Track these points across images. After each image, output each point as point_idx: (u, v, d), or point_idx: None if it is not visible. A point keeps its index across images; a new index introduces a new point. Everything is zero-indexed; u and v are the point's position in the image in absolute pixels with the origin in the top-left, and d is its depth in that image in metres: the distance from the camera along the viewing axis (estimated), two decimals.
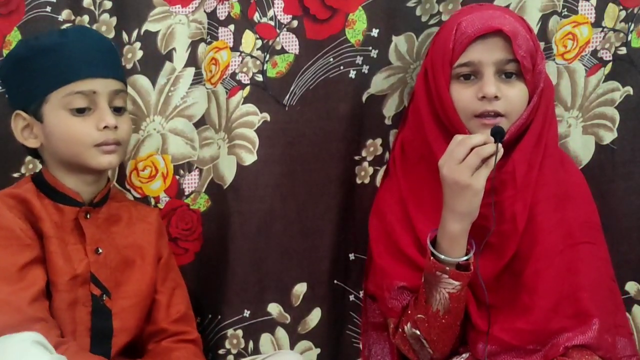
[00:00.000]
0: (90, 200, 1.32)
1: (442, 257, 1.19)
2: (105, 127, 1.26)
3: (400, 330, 1.28)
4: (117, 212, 1.37)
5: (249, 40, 1.50)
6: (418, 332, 1.24)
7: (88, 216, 1.31)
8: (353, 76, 1.48)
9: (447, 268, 1.19)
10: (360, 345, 1.50)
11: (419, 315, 1.23)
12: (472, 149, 1.16)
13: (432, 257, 1.20)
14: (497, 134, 1.19)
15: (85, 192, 1.32)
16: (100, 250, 1.29)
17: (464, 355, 1.26)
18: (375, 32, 1.48)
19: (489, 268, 1.25)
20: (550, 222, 1.25)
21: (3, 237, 1.21)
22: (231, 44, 1.51)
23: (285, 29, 1.49)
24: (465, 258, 1.20)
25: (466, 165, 1.15)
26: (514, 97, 1.24)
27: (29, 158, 1.56)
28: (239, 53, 1.50)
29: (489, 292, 1.23)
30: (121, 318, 1.29)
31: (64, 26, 1.55)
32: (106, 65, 1.30)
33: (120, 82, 1.32)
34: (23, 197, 1.26)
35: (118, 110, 1.31)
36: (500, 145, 1.17)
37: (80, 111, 1.26)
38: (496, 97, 1.22)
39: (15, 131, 1.30)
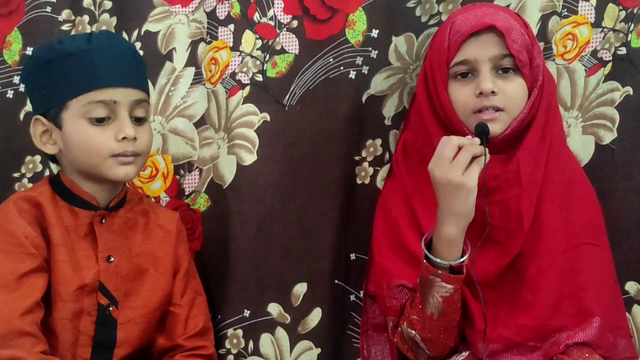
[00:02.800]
0: (106, 204, 1.30)
1: (437, 260, 1.19)
2: (124, 138, 1.23)
3: (399, 329, 1.28)
4: (135, 216, 1.34)
5: (249, 40, 1.50)
6: (414, 332, 1.24)
7: (103, 221, 1.28)
8: (353, 77, 1.48)
9: (440, 272, 1.18)
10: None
11: (413, 317, 1.23)
12: (459, 148, 1.15)
13: (425, 261, 1.20)
14: (482, 133, 1.19)
15: (102, 198, 1.29)
16: (112, 259, 1.27)
17: (463, 353, 1.26)
18: (375, 33, 1.48)
19: (494, 265, 1.25)
20: (554, 220, 1.25)
21: (7, 243, 1.19)
22: (231, 44, 1.51)
23: (285, 29, 1.49)
24: (460, 260, 1.19)
25: (457, 163, 1.14)
26: (511, 91, 1.24)
27: (29, 158, 1.56)
28: (238, 53, 1.50)
29: (491, 289, 1.23)
30: (126, 329, 1.28)
31: (64, 26, 1.56)
32: (129, 74, 1.26)
33: (142, 92, 1.28)
34: (37, 200, 1.23)
35: (139, 121, 1.27)
36: (484, 148, 1.17)
37: (99, 121, 1.23)
38: (493, 93, 1.22)
39: (33, 136, 1.27)
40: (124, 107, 1.24)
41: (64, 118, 1.23)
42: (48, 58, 1.23)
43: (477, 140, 1.18)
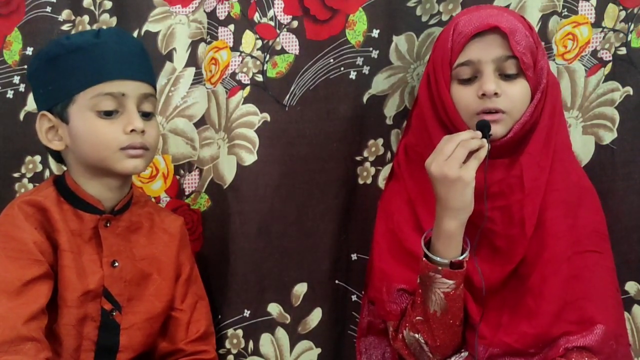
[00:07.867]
0: (111, 207, 1.28)
1: (436, 258, 1.19)
2: (132, 130, 1.22)
3: (400, 334, 1.27)
4: (139, 219, 1.33)
5: (249, 40, 1.50)
6: (417, 336, 1.23)
7: (108, 224, 1.27)
8: (353, 77, 1.48)
9: (440, 268, 1.18)
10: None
11: (417, 318, 1.23)
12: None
13: (424, 258, 1.20)
14: (484, 127, 1.19)
15: (108, 200, 1.28)
16: (117, 263, 1.26)
17: (462, 354, 1.26)
18: (375, 33, 1.48)
19: (496, 272, 1.24)
20: (559, 228, 1.24)
21: (14, 249, 1.18)
22: (231, 44, 1.51)
23: (285, 30, 1.49)
24: (460, 257, 1.19)
25: (453, 158, 1.14)
26: (514, 94, 1.23)
27: (29, 158, 1.56)
28: (239, 53, 1.50)
29: (494, 295, 1.23)
30: (129, 334, 1.27)
31: (64, 26, 1.56)
32: (137, 67, 1.25)
33: (150, 86, 1.27)
34: (42, 205, 1.22)
35: (146, 115, 1.26)
36: (486, 140, 1.17)
37: (107, 114, 1.21)
38: (496, 94, 1.21)
39: (39, 133, 1.25)
40: (132, 100, 1.23)
41: (71, 112, 1.22)
42: (56, 53, 1.22)
43: (478, 133, 1.18)
